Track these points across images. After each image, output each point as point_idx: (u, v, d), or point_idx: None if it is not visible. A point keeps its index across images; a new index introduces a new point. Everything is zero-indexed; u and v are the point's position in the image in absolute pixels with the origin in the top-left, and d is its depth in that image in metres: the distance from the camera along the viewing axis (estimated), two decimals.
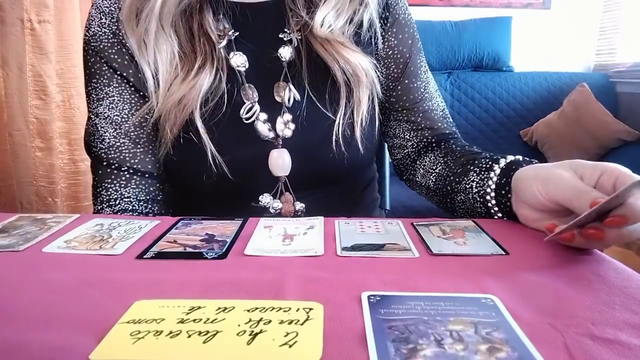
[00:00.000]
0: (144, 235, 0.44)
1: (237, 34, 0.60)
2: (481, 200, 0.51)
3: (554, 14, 2.53)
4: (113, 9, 0.59)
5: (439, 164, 0.62)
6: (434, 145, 0.66)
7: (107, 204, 0.59)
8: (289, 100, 0.59)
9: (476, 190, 0.52)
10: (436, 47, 2.28)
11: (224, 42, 0.59)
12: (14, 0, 1.26)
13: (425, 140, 0.67)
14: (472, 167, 0.54)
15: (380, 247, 0.40)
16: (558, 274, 0.35)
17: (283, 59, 0.60)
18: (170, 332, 0.27)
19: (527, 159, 0.50)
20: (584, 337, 0.27)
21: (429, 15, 2.33)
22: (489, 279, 0.34)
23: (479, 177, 0.52)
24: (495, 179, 0.50)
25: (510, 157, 0.51)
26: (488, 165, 0.52)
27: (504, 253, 0.39)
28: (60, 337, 0.27)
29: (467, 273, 0.35)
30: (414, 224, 0.47)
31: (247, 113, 0.58)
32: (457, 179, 0.56)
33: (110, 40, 0.59)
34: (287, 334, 0.27)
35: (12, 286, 0.34)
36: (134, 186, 0.60)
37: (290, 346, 0.25)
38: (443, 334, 0.26)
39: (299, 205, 0.61)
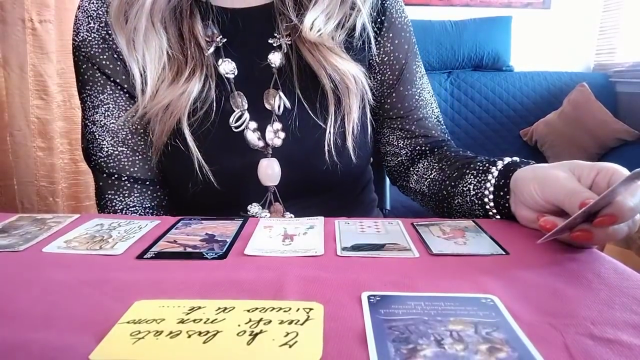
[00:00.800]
0: (144, 235, 0.44)
1: (225, 40, 0.58)
2: (479, 202, 0.51)
3: (554, 14, 2.53)
4: (101, 13, 0.58)
5: (434, 170, 0.61)
6: (427, 152, 0.65)
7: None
8: (279, 108, 0.58)
9: (474, 192, 0.51)
10: (436, 47, 2.28)
11: (211, 49, 0.57)
12: (15, 0, 1.26)
13: (419, 147, 0.66)
14: (468, 171, 0.54)
15: (380, 247, 0.40)
16: (558, 274, 0.35)
17: (273, 65, 0.58)
18: (170, 332, 0.27)
19: (525, 160, 0.49)
20: (584, 337, 0.27)
21: (429, 15, 2.33)
22: (489, 279, 0.34)
23: (476, 180, 0.52)
24: (493, 181, 0.49)
25: (507, 159, 0.50)
26: (485, 168, 0.51)
27: (504, 253, 0.39)
28: (60, 337, 0.27)
29: (467, 273, 0.35)
30: (414, 224, 0.47)
31: (236, 122, 0.57)
32: (453, 183, 0.55)
33: (101, 46, 0.58)
34: (287, 334, 0.27)
35: (12, 286, 0.34)
36: (137, 194, 0.59)
37: (290, 346, 0.25)
38: (443, 334, 0.26)
39: (288, 216, 0.60)
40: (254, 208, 0.59)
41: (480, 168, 0.52)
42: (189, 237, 0.43)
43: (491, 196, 0.49)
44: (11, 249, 0.40)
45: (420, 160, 0.65)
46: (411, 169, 0.66)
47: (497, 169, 0.50)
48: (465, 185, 0.53)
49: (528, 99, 2.28)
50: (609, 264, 0.37)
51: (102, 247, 0.41)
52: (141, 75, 0.56)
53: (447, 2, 2.47)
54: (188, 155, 0.55)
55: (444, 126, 0.69)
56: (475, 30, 2.30)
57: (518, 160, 0.50)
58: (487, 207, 0.50)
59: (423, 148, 0.65)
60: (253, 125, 0.58)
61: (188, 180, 0.56)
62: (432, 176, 0.60)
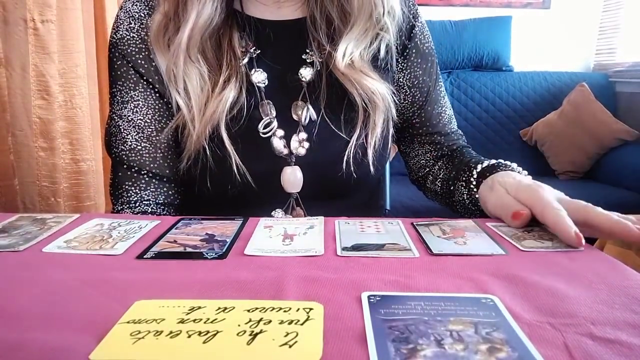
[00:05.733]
0: (144, 235, 0.44)
1: (258, 51, 0.61)
2: (468, 195, 0.57)
3: (554, 14, 2.53)
4: (143, 15, 0.60)
5: (442, 169, 0.68)
6: (446, 156, 0.71)
7: (128, 205, 0.60)
8: (305, 119, 0.60)
9: (464, 189, 0.59)
10: (436, 47, 2.24)
11: (245, 60, 0.60)
12: (17, 0, 1.26)
13: (440, 153, 0.71)
14: (461, 168, 0.62)
15: (380, 247, 0.40)
16: (558, 274, 0.35)
17: (303, 79, 0.61)
18: (170, 332, 0.27)
19: (503, 162, 0.57)
20: (584, 337, 0.27)
21: (429, 15, 2.33)
22: (489, 279, 0.34)
23: (464, 175, 0.60)
24: (475, 175, 0.57)
25: (487, 162, 0.58)
26: (472, 165, 0.60)
27: (504, 253, 0.39)
28: (60, 337, 0.27)
29: (467, 273, 0.35)
30: (414, 223, 0.47)
31: (265, 128, 0.59)
32: (452, 181, 0.63)
33: (138, 46, 0.60)
34: (287, 334, 0.27)
35: (12, 286, 0.34)
36: (153, 189, 0.61)
37: (290, 346, 0.25)
38: (443, 334, 0.26)
39: None
40: (277, 214, 0.62)
41: (466, 167, 0.60)
42: (189, 237, 0.43)
43: (475, 189, 0.57)
44: (11, 249, 0.40)
45: (437, 163, 0.71)
46: (429, 171, 0.71)
47: (481, 166, 0.58)
48: (459, 183, 0.60)
49: (528, 99, 2.28)
50: (609, 264, 0.37)
51: (102, 247, 0.41)
52: (186, 105, 0.58)
53: (447, 2, 2.47)
54: (225, 158, 0.57)
55: (460, 131, 0.74)
56: (475, 30, 2.30)
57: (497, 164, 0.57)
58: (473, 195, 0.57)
59: (444, 153, 0.71)
60: (280, 132, 0.60)
61: (227, 184, 0.58)
62: (441, 175, 0.67)
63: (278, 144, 0.60)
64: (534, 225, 0.46)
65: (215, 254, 0.39)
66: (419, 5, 0.71)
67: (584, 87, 2.20)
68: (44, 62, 1.33)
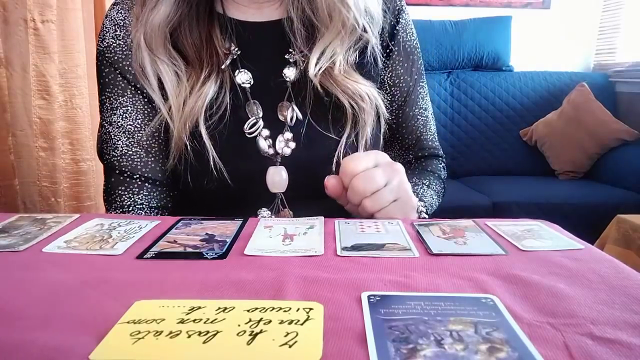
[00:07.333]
0: (144, 235, 0.44)
1: (239, 52, 0.61)
2: None
3: (554, 14, 2.53)
4: (127, 22, 0.61)
5: None
6: (408, 163, 0.71)
7: (121, 210, 0.60)
8: (291, 119, 0.60)
9: None
10: (436, 47, 2.28)
11: (228, 61, 0.60)
12: (17, 0, 1.26)
13: (406, 160, 0.71)
14: None
15: (380, 247, 0.40)
16: (558, 274, 0.35)
17: (287, 79, 0.61)
18: (170, 332, 0.27)
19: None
20: (584, 337, 0.27)
21: (429, 15, 2.33)
22: (489, 279, 0.34)
23: None
24: None
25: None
26: None
27: (504, 253, 0.39)
28: (60, 337, 0.27)
29: (467, 273, 0.35)
30: (414, 223, 0.47)
31: (250, 128, 0.59)
32: None
33: (125, 52, 0.61)
34: (287, 334, 0.27)
35: (12, 286, 0.34)
36: (146, 193, 0.61)
37: (290, 346, 0.25)
38: (443, 334, 0.26)
39: None
40: (263, 213, 0.61)
41: None
42: (189, 237, 0.43)
43: None
44: (11, 249, 0.40)
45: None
46: None
47: None
48: None
49: (528, 99, 2.28)
50: (609, 263, 0.37)
51: (102, 247, 0.41)
52: (163, 103, 0.59)
53: (447, 2, 2.47)
54: (204, 153, 0.58)
55: (437, 142, 0.72)
56: (475, 30, 2.30)
57: None
58: None
59: (408, 161, 0.71)
60: (266, 132, 0.60)
61: (204, 178, 0.58)
62: None
63: (263, 144, 0.59)
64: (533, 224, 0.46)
65: (215, 254, 0.39)
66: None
67: (584, 87, 2.20)
68: (44, 62, 1.33)
